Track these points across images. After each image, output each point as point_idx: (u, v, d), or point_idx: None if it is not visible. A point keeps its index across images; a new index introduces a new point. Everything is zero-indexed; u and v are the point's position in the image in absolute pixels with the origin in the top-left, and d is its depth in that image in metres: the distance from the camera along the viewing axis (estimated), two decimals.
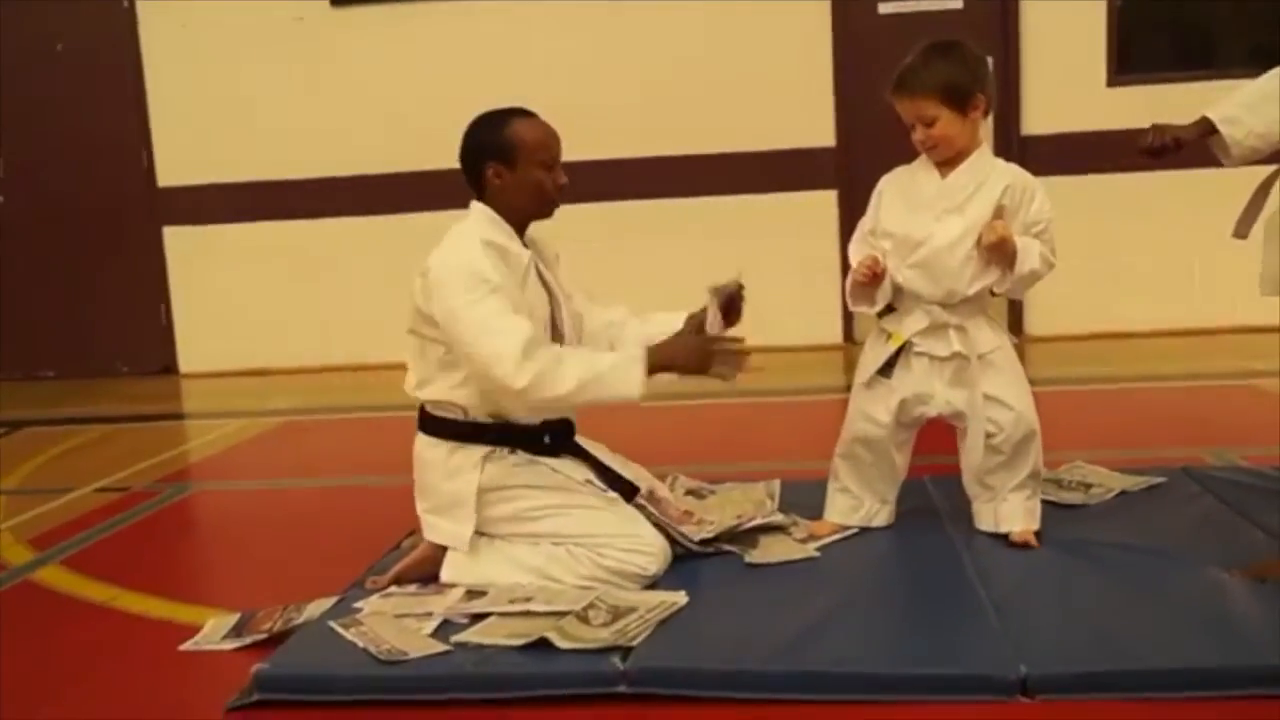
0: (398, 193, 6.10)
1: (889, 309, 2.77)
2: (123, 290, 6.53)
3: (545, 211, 2.72)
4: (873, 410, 2.79)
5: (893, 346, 2.74)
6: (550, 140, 2.68)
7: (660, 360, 2.55)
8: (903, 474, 2.88)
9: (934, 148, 2.67)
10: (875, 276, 2.69)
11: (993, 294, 2.73)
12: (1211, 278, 5.74)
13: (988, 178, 2.66)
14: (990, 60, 2.74)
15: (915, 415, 2.77)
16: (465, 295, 2.51)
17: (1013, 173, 2.69)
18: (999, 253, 2.62)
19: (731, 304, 2.71)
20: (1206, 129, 2.43)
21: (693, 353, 2.60)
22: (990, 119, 2.70)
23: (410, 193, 6.03)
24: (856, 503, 2.88)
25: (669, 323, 2.80)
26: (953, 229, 2.64)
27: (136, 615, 2.76)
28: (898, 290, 2.73)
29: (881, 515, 2.89)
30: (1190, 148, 2.49)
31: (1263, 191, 2.52)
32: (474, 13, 6.05)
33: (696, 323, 2.71)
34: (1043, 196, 2.67)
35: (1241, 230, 2.54)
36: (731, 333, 2.69)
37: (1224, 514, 2.88)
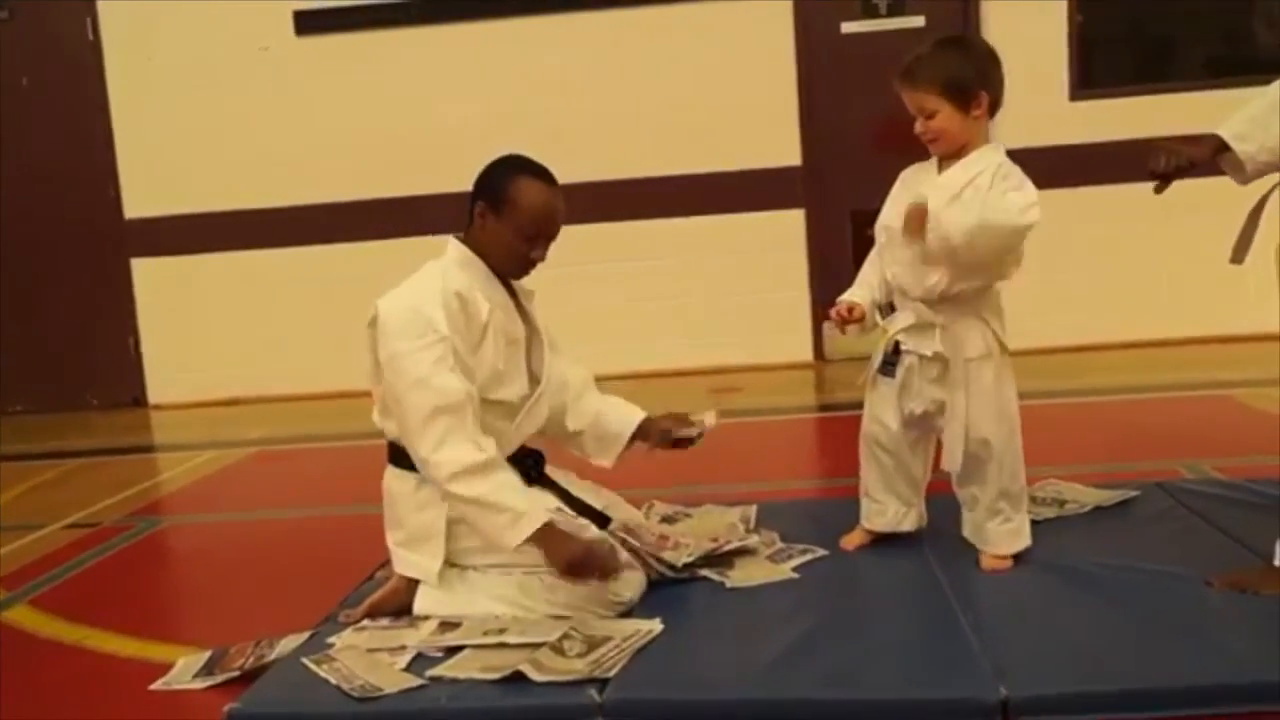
0: (365, 220, 6.08)
1: (891, 308, 2.77)
2: (91, 323, 6.47)
3: (511, 273, 2.68)
4: (879, 411, 2.80)
5: (882, 342, 2.74)
6: (546, 217, 2.59)
7: (549, 540, 2.40)
8: (924, 475, 2.86)
9: (933, 141, 2.64)
10: (849, 322, 2.72)
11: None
12: (1180, 289, 5.79)
13: (977, 176, 2.59)
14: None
15: (908, 412, 2.75)
16: (410, 341, 2.46)
17: (998, 165, 2.60)
18: (912, 230, 2.56)
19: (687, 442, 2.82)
20: (1218, 146, 2.36)
21: (575, 559, 2.41)
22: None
23: (377, 220, 6.01)
24: (880, 507, 2.86)
25: (624, 418, 2.84)
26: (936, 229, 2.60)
27: (106, 654, 2.72)
28: (889, 286, 2.74)
29: (909, 520, 2.86)
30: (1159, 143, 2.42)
31: (1256, 215, 2.47)
32: (437, 40, 6.05)
33: (646, 430, 2.82)
34: (1019, 189, 2.54)
35: (1239, 256, 2.48)
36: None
37: (1198, 527, 2.89)
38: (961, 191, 2.58)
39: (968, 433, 2.65)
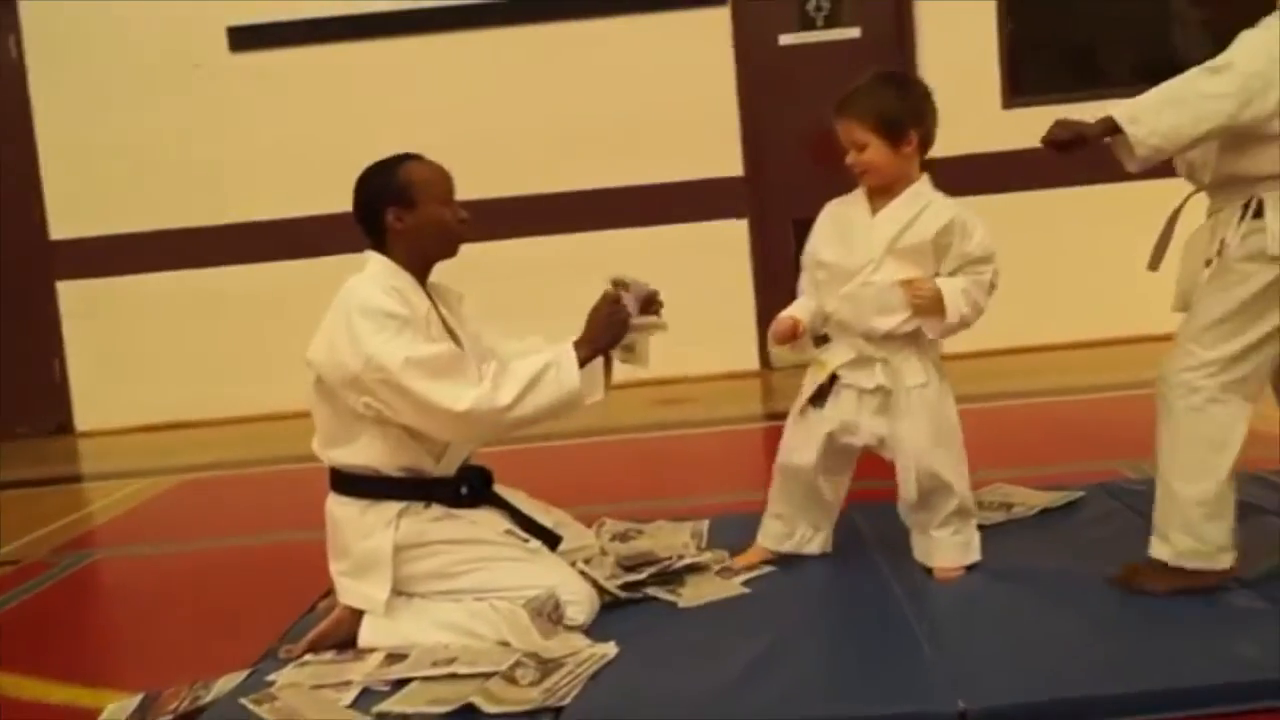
0: (298, 237, 5.99)
1: (825, 338, 2.77)
2: (13, 348, 6.29)
3: (449, 250, 2.66)
4: (799, 441, 2.79)
5: (822, 376, 2.74)
6: (443, 177, 2.66)
7: (585, 348, 2.52)
8: (836, 503, 2.86)
9: (863, 173, 2.68)
10: (792, 337, 2.73)
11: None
12: (1113, 290, 5.86)
13: (920, 215, 2.63)
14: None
15: (842, 445, 2.75)
16: (377, 336, 2.43)
17: (951, 211, 2.65)
18: (925, 310, 2.62)
19: (649, 303, 2.70)
20: (1110, 127, 2.40)
21: (605, 323, 2.56)
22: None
23: (311, 237, 5.91)
24: (789, 529, 2.86)
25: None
26: (882, 267, 2.64)
27: (29, 702, 2.61)
28: (828, 319, 2.74)
29: (815, 542, 2.87)
30: (1092, 150, 2.47)
31: (1172, 223, 2.55)
32: (372, 54, 6.00)
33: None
34: (983, 235, 2.64)
35: (1154, 264, 2.56)
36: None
37: (1143, 528, 2.88)
38: (906, 231, 2.62)
39: (918, 464, 2.65)
